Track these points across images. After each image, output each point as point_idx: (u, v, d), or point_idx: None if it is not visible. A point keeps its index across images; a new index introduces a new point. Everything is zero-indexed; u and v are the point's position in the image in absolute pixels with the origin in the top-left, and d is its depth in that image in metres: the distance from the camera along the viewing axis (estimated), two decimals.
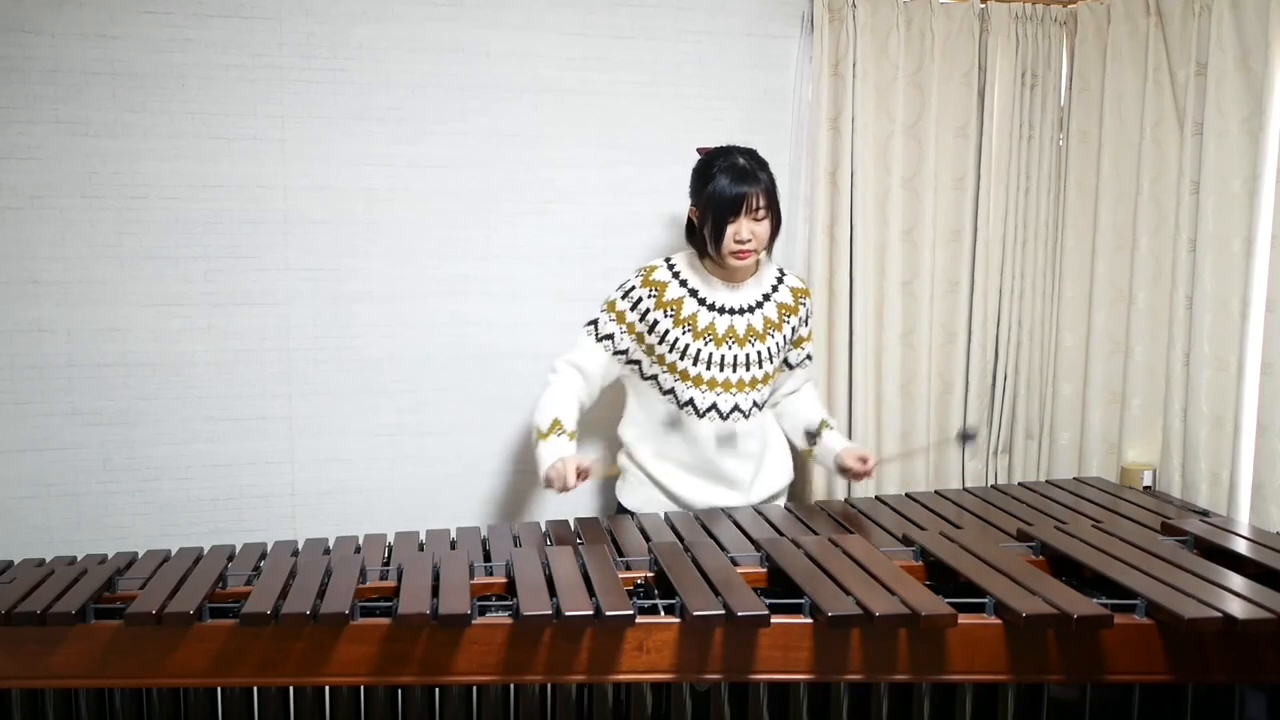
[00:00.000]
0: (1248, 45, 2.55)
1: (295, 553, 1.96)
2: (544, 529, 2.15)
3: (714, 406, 2.31)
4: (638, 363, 2.37)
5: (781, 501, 2.48)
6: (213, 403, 2.64)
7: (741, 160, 2.24)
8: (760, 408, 2.38)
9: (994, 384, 3.04)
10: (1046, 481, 2.57)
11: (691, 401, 2.31)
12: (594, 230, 2.80)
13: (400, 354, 2.74)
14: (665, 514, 2.26)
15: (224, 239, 2.60)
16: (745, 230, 2.21)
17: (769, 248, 2.32)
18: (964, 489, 2.51)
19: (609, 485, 2.52)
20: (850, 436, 2.92)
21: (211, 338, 2.62)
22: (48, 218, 2.50)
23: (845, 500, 2.41)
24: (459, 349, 2.77)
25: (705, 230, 2.25)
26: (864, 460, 2.33)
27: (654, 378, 2.35)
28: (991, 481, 3.08)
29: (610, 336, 2.33)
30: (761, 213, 2.23)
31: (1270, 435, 2.49)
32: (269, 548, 2.00)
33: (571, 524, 2.18)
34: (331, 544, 2.03)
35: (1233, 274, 2.61)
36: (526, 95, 2.73)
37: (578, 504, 2.82)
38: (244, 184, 2.59)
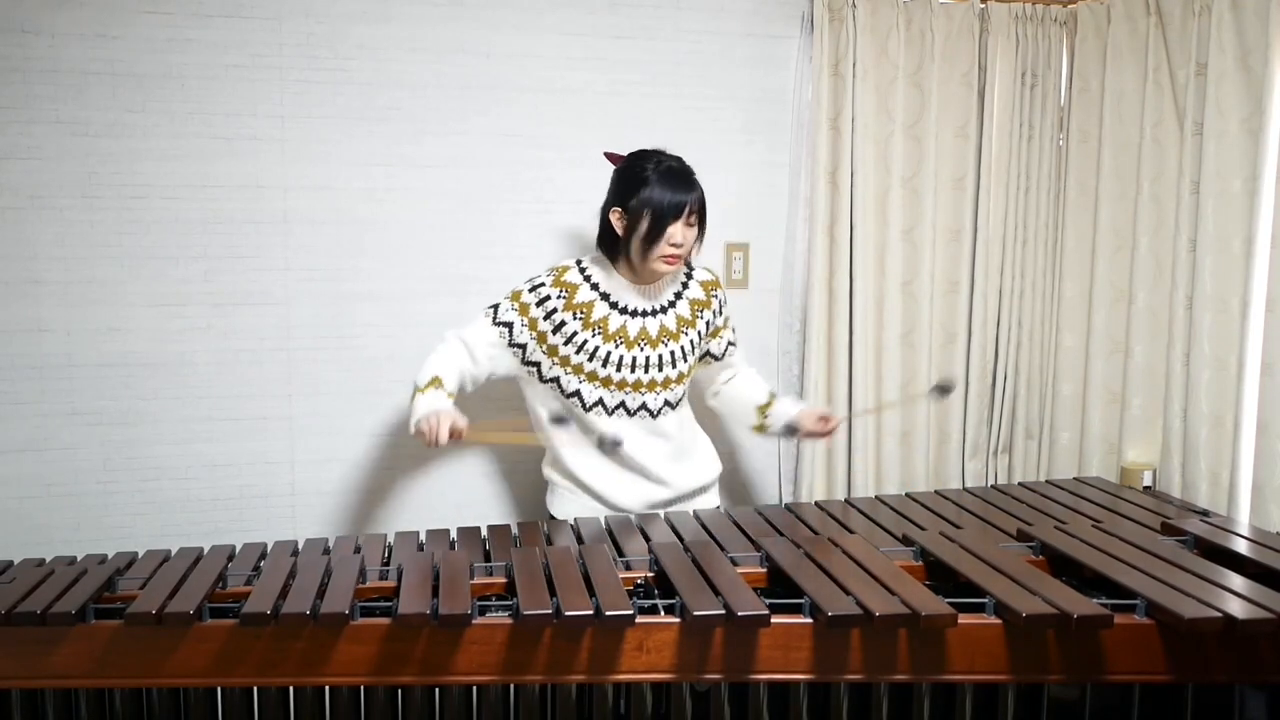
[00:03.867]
0: (1248, 45, 2.55)
1: (295, 553, 1.96)
2: (544, 529, 2.15)
3: (622, 404, 2.29)
4: (536, 364, 2.31)
5: (713, 493, 2.48)
6: (213, 403, 2.64)
7: (676, 164, 2.24)
8: (674, 406, 2.35)
9: (994, 384, 3.04)
10: (1046, 481, 2.57)
11: (601, 401, 2.29)
12: (594, 230, 2.79)
13: (400, 354, 2.74)
14: (665, 514, 2.26)
15: (224, 239, 2.60)
16: (679, 235, 2.21)
17: (690, 255, 2.29)
18: (964, 489, 2.51)
19: (536, 496, 2.49)
20: (850, 435, 2.92)
21: (211, 338, 2.62)
22: (48, 218, 2.50)
23: (845, 500, 2.41)
24: None
25: (637, 234, 2.21)
26: (825, 420, 2.34)
27: (555, 379, 2.31)
28: (991, 481, 3.08)
29: (509, 325, 2.29)
30: (693, 219, 2.23)
31: (1270, 435, 2.49)
32: (269, 548, 2.00)
33: (572, 524, 2.18)
34: (331, 544, 2.03)
35: (1233, 274, 2.61)
36: (526, 95, 2.73)
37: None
38: (244, 184, 2.59)
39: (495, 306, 2.31)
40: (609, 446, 2.17)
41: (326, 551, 1.99)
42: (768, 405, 2.44)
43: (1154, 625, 1.60)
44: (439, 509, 2.78)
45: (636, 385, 2.29)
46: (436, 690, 1.64)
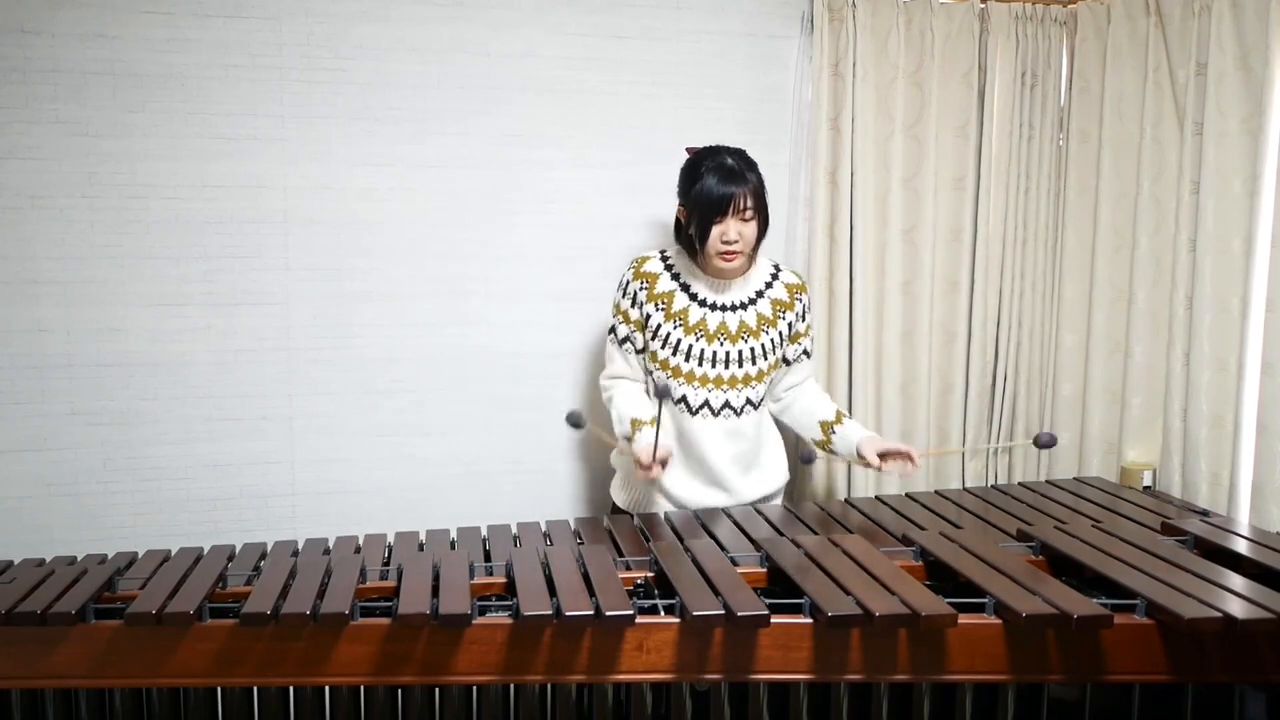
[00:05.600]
0: (1248, 45, 2.55)
1: (295, 553, 1.96)
2: (544, 529, 2.15)
3: (706, 403, 2.30)
4: (645, 353, 2.37)
5: (776, 503, 2.47)
6: (213, 403, 2.64)
7: (730, 160, 2.22)
8: (755, 406, 2.36)
9: (994, 384, 3.04)
10: (1046, 481, 2.57)
11: (684, 399, 2.31)
12: (594, 230, 2.80)
13: (400, 354, 2.74)
14: (665, 514, 2.26)
15: (224, 239, 2.60)
16: (733, 231, 2.20)
17: (755, 249, 2.30)
18: (964, 489, 2.51)
19: (604, 487, 2.51)
20: None
21: (211, 338, 2.62)
22: (48, 218, 2.50)
23: (845, 500, 2.41)
24: (459, 349, 2.77)
25: (692, 230, 2.24)
26: (891, 457, 2.26)
27: (650, 374, 2.36)
28: (991, 481, 3.08)
29: (628, 339, 2.35)
30: (749, 214, 2.21)
31: (1270, 435, 2.49)
32: (269, 548, 2.00)
33: (571, 524, 2.18)
34: (331, 544, 2.03)
35: (1233, 274, 2.61)
36: (526, 95, 2.73)
37: (573, 503, 2.82)
38: (244, 184, 2.59)
39: (612, 330, 2.38)
40: (660, 393, 2.19)
41: (327, 551, 1.99)
42: (834, 422, 2.39)
43: (1154, 625, 1.60)
44: (439, 509, 2.78)
45: (718, 381, 2.30)
46: (436, 690, 1.64)
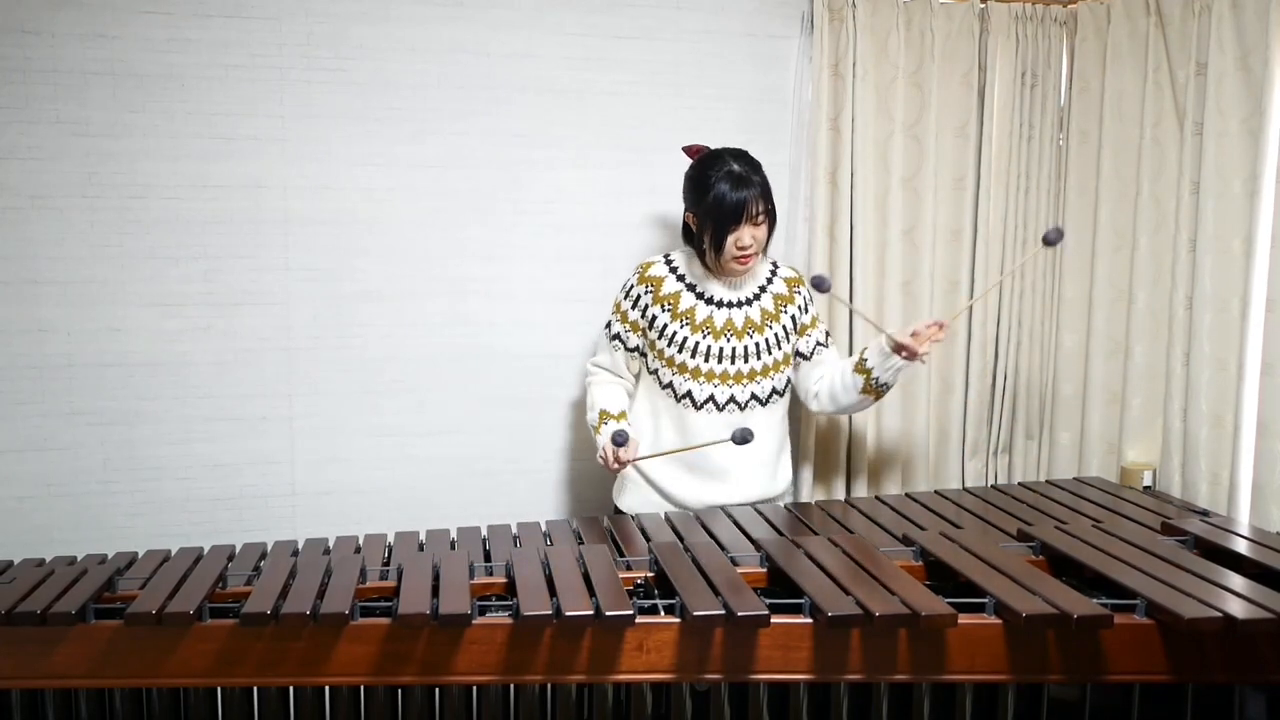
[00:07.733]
0: (1248, 45, 2.55)
1: (295, 553, 1.96)
2: (544, 529, 2.16)
3: (711, 398, 2.32)
4: (645, 356, 2.41)
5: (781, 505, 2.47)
6: (213, 403, 2.64)
7: (738, 166, 2.25)
8: (762, 403, 2.37)
9: (994, 384, 3.04)
10: (1046, 481, 2.57)
11: (689, 394, 2.32)
12: (594, 230, 2.80)
13: (400, 354, 2.74)
14: (665, 514, 2.26)
15: (224, 239, 2.60)
16: (747, 236, 2.24)
17: (766, 247, 2.33)
18: (964, 489, 2.51)
19: (605, 487, 2.52)
20: (850, 436, 2.92)
21: (211, 338, 2.62)
22: (48, 218, 2.50)
23: (845, 500, 2.41)
24: (459, 349, 2.77)
25: (705, 238, 2.26)
26: (940, 326, 2.27)
27: (655, 372, 2.37)
28: (991, 481, 3.08)
29: (619, 336, 2.40)
30: (761, 217, 2.25)
31: (1270, 435, 2.49)
32: (269, 548, 2.00)
33: (572, 524, 2.18)
34: (331, 544, 2.04)
35: (1233, 274, 2.61)
36: (526, 95, 2.73)
37: (573, 503, 2.83)
38: (244, 184, 2.59)
39: (607, 324, 2.43)
40: (738, 437, 2.19)
41: (327, 551, 1.99)
42: (861, 358, 2.36)
43: (1154, 625, 1.60)
44: (439, 509, 2.78)
45: (724, 377, 2.32)
46: (436, 690, 1.64)
